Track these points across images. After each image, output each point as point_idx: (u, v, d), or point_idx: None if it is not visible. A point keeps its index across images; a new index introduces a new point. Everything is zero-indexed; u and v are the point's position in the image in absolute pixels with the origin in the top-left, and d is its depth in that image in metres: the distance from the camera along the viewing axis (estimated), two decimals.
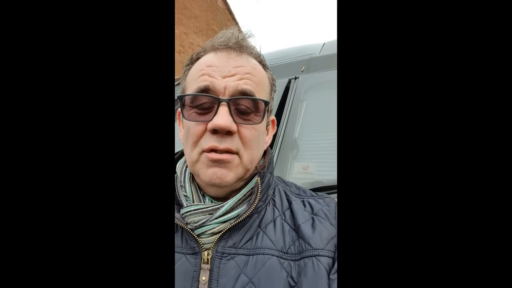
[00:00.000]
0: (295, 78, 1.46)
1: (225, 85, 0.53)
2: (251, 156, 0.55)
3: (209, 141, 0.52)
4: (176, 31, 7.21)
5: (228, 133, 0.52)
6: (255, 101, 0.54)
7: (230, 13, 9.42)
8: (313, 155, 1.21)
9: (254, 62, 0.58)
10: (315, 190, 0.85)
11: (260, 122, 0.55)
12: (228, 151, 0.53)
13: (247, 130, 0.54)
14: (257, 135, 0.56)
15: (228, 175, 0.53)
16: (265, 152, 0.62)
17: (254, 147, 0.55)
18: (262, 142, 0.58)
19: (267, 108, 0.57)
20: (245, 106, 0.54)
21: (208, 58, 0.57)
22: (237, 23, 9.61)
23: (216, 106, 0.52)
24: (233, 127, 0.52)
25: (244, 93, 0.53)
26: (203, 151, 0.53)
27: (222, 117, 0.51)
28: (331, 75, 1.33)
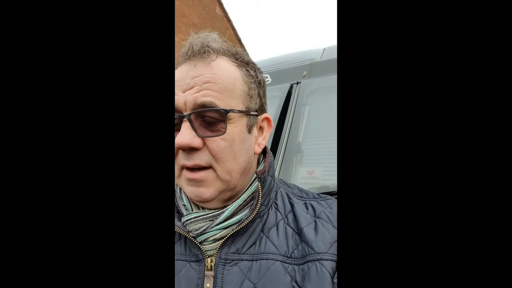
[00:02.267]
0: (297, 83, 1.47)
1: (185, 100, 0.51)
2: (227, 168, 0.52)
3: (180, 160, 0.52)
4: (175, 38, 7.25)
5: (192, 149, 0.51)
6: (217, 111, 0.51)
7: (228, 20, 9.50)
8: (318, 159, 1.20)
9: (219, 64, 0.53)
10: None
11: (226, 132, 0.52)
12: (198, 167, 0.52)
13: (214, 143, 0.51)
14: (228, 146, 0.52)
15: (207, 192, 0.52)
16: (265, 155, 0.61)
17: (227, 159, 0.52)
18: (241, 150, 0.54)
19: (239, 114, 0.53)
20: (208, 118, 0.51)
21: (176, 73, 0.55)
22: (235, 30, 9.69)
23: (180, 123, 0.51)
24: (194, 143, 0.50)
25: (202, 106, 0.51)
26: (182, 167, 0.53)
27: (182, 135, 0.50)
28: (333, 80, 1.33)
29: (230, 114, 0.52)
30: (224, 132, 0.51)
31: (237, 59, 0.56)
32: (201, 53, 0.53)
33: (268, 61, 1.67)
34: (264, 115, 0.60)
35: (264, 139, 0.60)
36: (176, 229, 0.55)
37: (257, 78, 0.58)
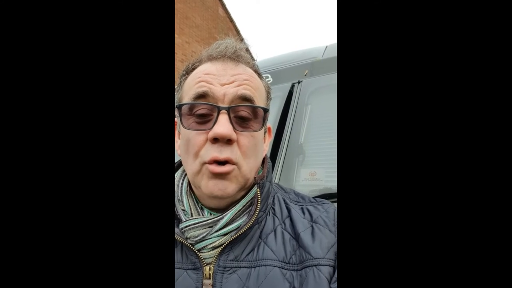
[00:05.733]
0: (299, 82, 1.44)
1: (224, 92, 0.53)
2: (250, 165, 0.54)
3: (210, 152, 0.51)
4: (178, 40, 7.27)
5: (228, 141, 0.51)
6: (254, 108, 0.54)
7: (231, 21, 9.50)
8: (320, 160, 1.18)
9: (251, 71, 0.58)
10: (323, 197, 0.82)
11: (259, 130, 0.55)
12: (228, 161, 0.52)
13: (245, 139, 0.53)
14: (255, 143, 0.55)
15: (230, 186, 0.52)
16: (263, 161, 0.62)
17: (252, 156, 0.55)
18: (260, 150, 0.58)
19: (265, 115, 0.57)
20: (244, 112, 0.53)
21: (206, 67, 0.56)
22: (238, 31, 9.68)
23: (215, 114, 0.52)
24: (234, 135, 0.52)
25: (243, 98, 0.53)
26: (205, 163, 0.52)
27: (223, 126, 0.51)
28: (335, 78, 1.30)
29: (261, 114, 0.55)
30: (260, 129, 0.55)
31: (256, 71, 0.61)
32: (237, 56, 0.57)
33: (269, 61, 1.65)
34: (268, 124, 0.64)
35: (267, 146, 0.63)
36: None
37: (269, 89, 0.63)
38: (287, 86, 1.44)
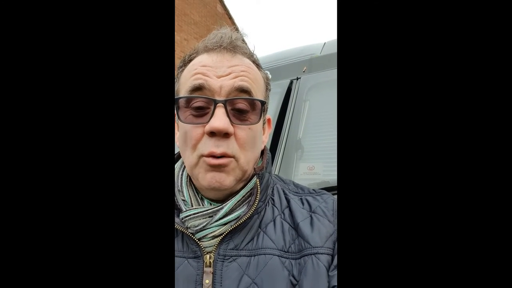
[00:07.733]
0: (297, 79, 1.45)
1: (221, 84, 0.52)
2: (247, 157, 0.55)
3: (207, 146, 0.52)
4: (177, 37, 7.24)
5: (225, 135, 0.51)
6: (251, 100, 0.53)
7: (230, 17, 9.46)
8: (318, 155, 1.20)
9: (248, 61, 0.57)
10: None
11: (257, 122, 0.55)
12: (224, 155, 0.52)
13: (243, 132, 0.53)
14: (253, 136, 0.55)
15: (227, 179, 0.53)
16: (262, 152, 0.62)
17: (249, 149, 0.55)
18: (258, 142, 0.58)
19: (263, 107, 0.56)
20: (242, 105, 0.53)
21: (202, 59, 0.55)
22: (237, 28, 9.63)
23: (212, 107, 0.52)
24: (230, 129, 0.51)
25: (240, 89, 0.53)
26: (202, 156, 0.52)
27: (219, 119, 0.50)
28: (333, 74, 1.32)
29: (259, 106, 0.54)
30: (257, 122, 0.54)
31: (254, 61, 0.60)
32: (234, 46, 0.56)
33: (268, 57, 1.66)
34: (267, 115, 0.63)
35: (266, 137, 0.63)
36: (175, 225, 0.55)
37: (268, 80, 0.62)
38: (286, 82, 1.45)
